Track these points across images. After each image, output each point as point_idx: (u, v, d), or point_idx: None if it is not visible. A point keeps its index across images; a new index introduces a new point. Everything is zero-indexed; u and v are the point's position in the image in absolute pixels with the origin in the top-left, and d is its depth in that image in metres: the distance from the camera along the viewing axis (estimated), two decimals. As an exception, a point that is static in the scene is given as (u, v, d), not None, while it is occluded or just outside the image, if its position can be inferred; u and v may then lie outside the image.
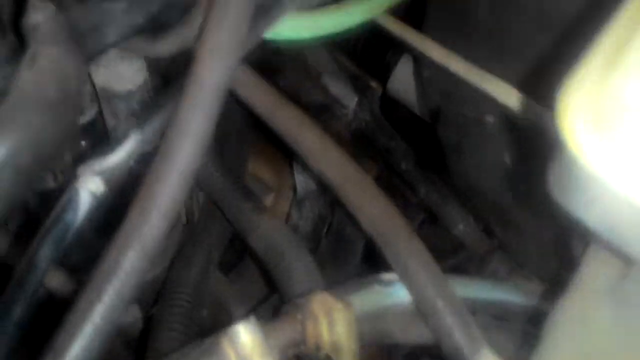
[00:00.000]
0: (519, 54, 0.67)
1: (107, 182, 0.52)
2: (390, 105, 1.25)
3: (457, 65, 0.70)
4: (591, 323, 0.41)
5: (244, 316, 0.57)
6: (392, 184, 1.16)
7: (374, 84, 1.24)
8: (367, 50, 1.29)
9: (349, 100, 1.19)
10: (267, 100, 0.79)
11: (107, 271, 0.47)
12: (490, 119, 0.81)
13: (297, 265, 0.79)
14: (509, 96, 0.64)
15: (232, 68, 0.53)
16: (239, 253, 1.17)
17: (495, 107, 0.80)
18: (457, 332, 0.62)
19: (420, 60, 0.86)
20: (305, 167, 1.19)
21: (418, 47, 0.80)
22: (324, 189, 1.19)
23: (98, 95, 0.78)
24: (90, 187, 0.51)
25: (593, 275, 0.45)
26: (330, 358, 0.63)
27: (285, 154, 1.26)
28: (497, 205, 0.89)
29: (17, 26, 0.58)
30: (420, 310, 0.66)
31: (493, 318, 0.70)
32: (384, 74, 1.24)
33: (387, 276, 0.70)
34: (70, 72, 0.44)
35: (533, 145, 0.78)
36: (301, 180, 1.19)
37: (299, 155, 0.77)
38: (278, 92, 0.82)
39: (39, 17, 0.46)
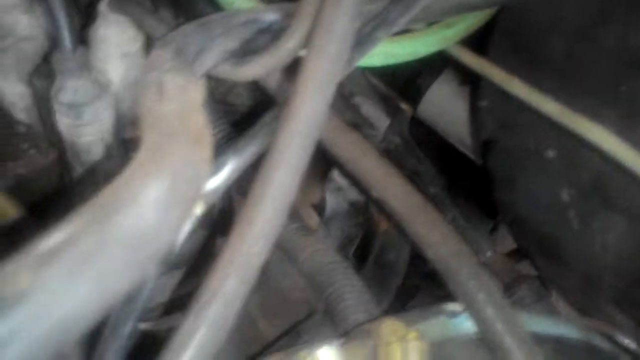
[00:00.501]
0: (600, 94, 0.67)
1: (206, 205, 0.52)
2: (420, 129, 1.25)
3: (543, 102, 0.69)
4: None
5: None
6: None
7: (404, 106, 1.23)
8: (398, 72, 1.29)
9: (380, 121, 1.19)
10: (328, 125, 0.79)
11: (208, 299, 0.46)
12: (551, 153, 0.81)
13: (348, 289, 0.79)
14: (603, 140, 0.64)
15: (330, 98, 0.53)
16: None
17: (560, 141, 0.80)
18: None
19: (480, 88, 0.86)
20: (339, 190, 1.20)
21: (482, 72, 0.80)
22: (356, 211, 1.19)
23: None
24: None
25: None
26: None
27: (310, 169, 1.25)
28: (545, 239, 0.89)
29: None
30: (488, 344, 0.65)
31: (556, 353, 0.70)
32: (414, 97, 1.25)
33: (452, 307, 0.69)
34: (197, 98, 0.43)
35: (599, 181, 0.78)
36: (332, 202, 1.19)
37: (360, 183, 0.77)
38: (340, 118, 0.81)
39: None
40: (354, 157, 0.76)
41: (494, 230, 1.18)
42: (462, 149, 1.23)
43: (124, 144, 0.76)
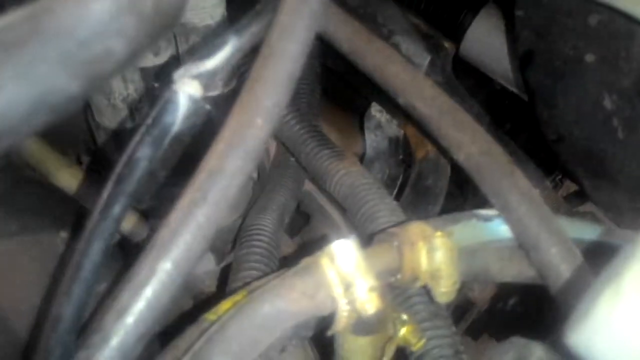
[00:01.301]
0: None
1: (205, 86, 0.50)
2: (464, 66, 1.21)
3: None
4: None
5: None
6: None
7: (447, 44, 1.19)
8: (440, 10, 1.26)
9: (421, 59, 1.15)
10: (355, 36, 0.76)
11: (211, 171, 0.44)
12: (590, 58, 0.76)
13: (382, 207, 0.76)
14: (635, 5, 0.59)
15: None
16: (304, 216, 1.15)
17: (598, 44, 0.75)
18: (563, 264, 0.58)
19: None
20: (378, 127, 1.17)
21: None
22: (396, 147, 1.16)
23: (175, 32, 0.76)
24: (188, 90, 0.49)
25: None
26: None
27: (351, 117, 1.23)
28: (591, 154, 0.84)
29: None
30: (523, 245, 0.62)
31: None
32: (457, 35, 1.21)
33: (485, 211, 0.66)
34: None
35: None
36: (372, 140, 1.16)
37: (388, 92, 0.74)
38: (366, 29, 0.78)
39: None
40: (380, 64, 0.73)
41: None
42: (506, 84, 1.18)
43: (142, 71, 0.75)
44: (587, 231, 0.67)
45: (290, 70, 0.47)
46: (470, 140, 0.65)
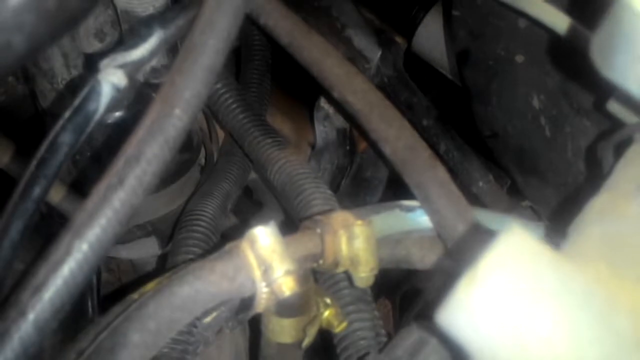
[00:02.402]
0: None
1: (129, 76, 0.52)
2: (414, 62, 1.24)
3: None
4: (621, 216, 0.40)
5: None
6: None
7: (398, 39, 1.22)
8: (392, 5, 1.28)
9: (373, 53, 1.17)
10: (292, 29, 0.79)
11: (128, 158, 0.46)
12: (520, 58, 0.80)
13: (316, 196, 0.79)
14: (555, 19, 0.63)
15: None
16: (257, 204, 1.17)
17: (527, 46, 0.79)
18: (478, 253, 0.61)
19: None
20: (326, 118, 1.20)
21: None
22: (344, 138, 1.19)
23: (119, 19, 0.78)
24: (112, 79, 0.51)
25: (627, 174, 0.44)
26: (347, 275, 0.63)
27: (304, 108, 1.25)
28: (522, 151, 0.88)
29: None
30: (442, 235, 0.65)
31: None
32: (409, 30, 1.23)
33: (408, 202, 0.69)
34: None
35: (565, 85, 0.77)
36: (321, 131, 1.19)
37: (323, 85, 0.77)
38: (304, 22, 0.81)
39: None
40: (316, 58, 0.76)
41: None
42: (456, 80, 1.22)
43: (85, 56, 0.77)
44: (505, 223, 0.71)
45: (210, 63, 0.49)
46: (396, 135, 0.68)
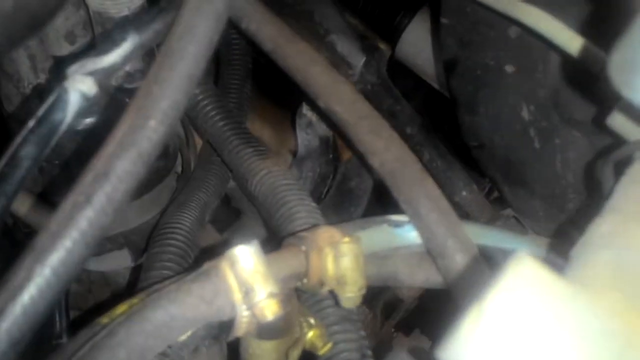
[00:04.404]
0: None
1: (100, 83, 0.48)
2: (398, 69, 1.21)
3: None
4: (632, 241, 0.37)
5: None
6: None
7: (382, 45, 1.20)
8: (377, 11, 1.26)
9: (356, 59, 1.15)
10: (276, 35, 0.75)
11: (97, 174, 0.43)
12: (510, 68, 0.77)
13: (299, 209, 0.76)
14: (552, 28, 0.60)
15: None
16: (235, 212, 1.14)
17: (517, 56, 0.76)
18: (469, 273, 0.59)
19: (441, 6, 0.82)
20: (309, 125, 1.16)
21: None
22: (327, 146, 1.16)
23: (92, 21, 0.74)
24: (80, 87, 0.47)
25: (632, 195, 0.42)
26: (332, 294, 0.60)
27: (286, 114, 1.22)
28: (509, 162, 0.86)
29: None
30: (431, 251, 0.62)
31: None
32: (393, 36, 1.21)
33: (396, 217, 0.66)
34: None
35: (557, 95, 0.75)
36: (304, 138, 1.16)
37: (308, 94, 0.73)
38: (288, 28, 0.78)
39: None
40: (301, 66, 0.72)
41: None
42: (439, 88, 1.19)
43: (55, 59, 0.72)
44: (496, 238, 0.68)
45: (189, 71, 0.45)
46: (384, 147, 0.65)
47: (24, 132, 0.45)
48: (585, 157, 0.74)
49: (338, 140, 1.05)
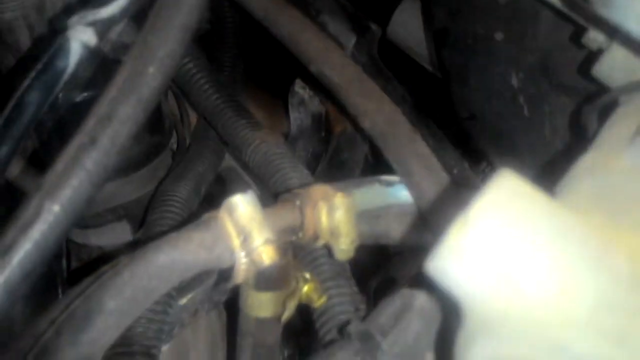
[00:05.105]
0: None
1: (100, 34, 0.50)
2: (389, 49, 1.23)
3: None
4: (612, 170, 0.40)
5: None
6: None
7: (373, 26, 1.21)
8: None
9: (347, 39, 1.16)
10: (268, 3, 0.77)
11: (101, 117, 0.44)
12: (499, 36, 0.79)
13: (293, 175, 0.78)
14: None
15: None
16: (227, 189, 1.15)
17: (506, 23, 0.78)
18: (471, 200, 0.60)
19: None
20: (301, 103, 1.18)
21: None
22: (319, 124, 1.17)
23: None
24: (81, 37, 0.48)
25: (614, 134, 0.44)
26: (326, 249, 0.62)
27: (278, 101, 1.24)
28: (500, 132, 0.88)
29: None
30: (421, 208, 0.64)
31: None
32: (384, 17, 1.22)
33: (387, 177, 0.68)
34: None
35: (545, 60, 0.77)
36: (296, 117, 1.18)
37: (300, 59, 0.75)
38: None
39: None
40: (293, 32, 0.74)
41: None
42: (430, 68, 1.21)
43: (51, 25, 0.74)
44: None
45: (184, 21, 0.47)
46: (375, 108, 0.67)
47: (29, 79, 0.47)
48: (574, 126, 0.77)
49: (331, 115, 1.07)
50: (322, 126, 1.15)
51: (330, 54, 0.72)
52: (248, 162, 0.85)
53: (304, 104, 1.16)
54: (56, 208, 0.41)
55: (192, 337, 0.79)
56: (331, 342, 0.60)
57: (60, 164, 0.43)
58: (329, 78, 0.71)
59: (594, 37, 0.55)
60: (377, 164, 1.06)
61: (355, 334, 0.47)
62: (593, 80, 0.61)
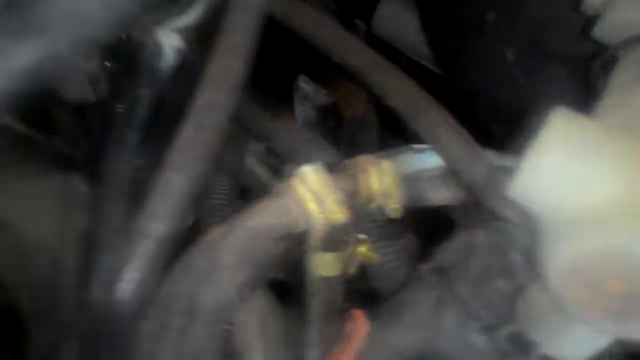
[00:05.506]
0: None
1: (186, 39, 0.57)
2: (375, 43, 1.31)
3: None
4: (628, 106, 0.49)
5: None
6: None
7: (358, 21, 1.28)
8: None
9: (335, 37, 1.22)
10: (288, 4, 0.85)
11: (204, 104, 0.52)
12: (491, 16, 0.89)
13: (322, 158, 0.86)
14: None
15: None
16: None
17: (497, 3, 0.88)
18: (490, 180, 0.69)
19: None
20: (306, 97, 1.25)
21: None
22: (325, 115, 1.24)
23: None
24: (171, 42, 0.56)
25: (624, 77, 0.53)
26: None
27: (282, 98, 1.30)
28: (500, 105, 0.97)
29: None
30: (453, 169, 0.73)
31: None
32: (367, 12, 1.30)
33: (418, 145, 0.77)
34: None
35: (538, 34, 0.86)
36: (301, 111, 1.24)
37: (321, 50, 0.83)
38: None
39: None
40: (311, 28, 0.83)
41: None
42: (418, 59, 1.29)
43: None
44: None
45: (256, 20, 0.55)
46: (398, 86, 0.76)
47: (137, 79, 0.54)
48: (567, 88, 0.86)
49: (340, 103, 1.14)
50: (328, 117, 1.22)
51: (349, 43, 0.81)
52: (270, 146, 0.92)
53: (308, 98, 1.23)
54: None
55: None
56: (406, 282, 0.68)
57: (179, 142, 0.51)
58: (351, 64, 0.80)
59: (592, 3, 0.65)
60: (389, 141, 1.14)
61: (429, 271, 0.56)
62: (586, 46, 0.70)
